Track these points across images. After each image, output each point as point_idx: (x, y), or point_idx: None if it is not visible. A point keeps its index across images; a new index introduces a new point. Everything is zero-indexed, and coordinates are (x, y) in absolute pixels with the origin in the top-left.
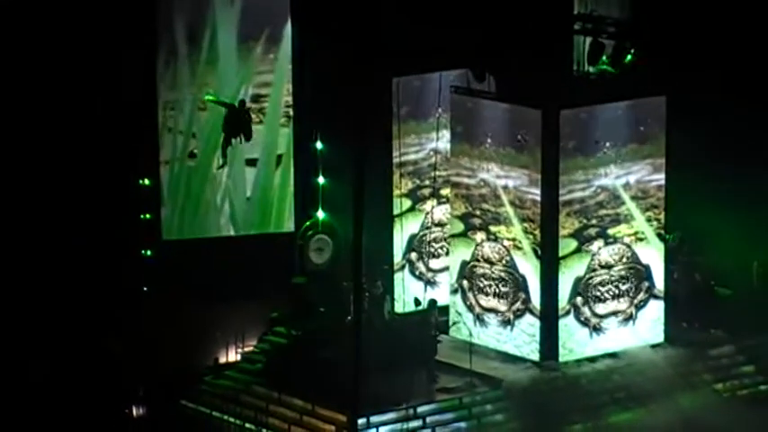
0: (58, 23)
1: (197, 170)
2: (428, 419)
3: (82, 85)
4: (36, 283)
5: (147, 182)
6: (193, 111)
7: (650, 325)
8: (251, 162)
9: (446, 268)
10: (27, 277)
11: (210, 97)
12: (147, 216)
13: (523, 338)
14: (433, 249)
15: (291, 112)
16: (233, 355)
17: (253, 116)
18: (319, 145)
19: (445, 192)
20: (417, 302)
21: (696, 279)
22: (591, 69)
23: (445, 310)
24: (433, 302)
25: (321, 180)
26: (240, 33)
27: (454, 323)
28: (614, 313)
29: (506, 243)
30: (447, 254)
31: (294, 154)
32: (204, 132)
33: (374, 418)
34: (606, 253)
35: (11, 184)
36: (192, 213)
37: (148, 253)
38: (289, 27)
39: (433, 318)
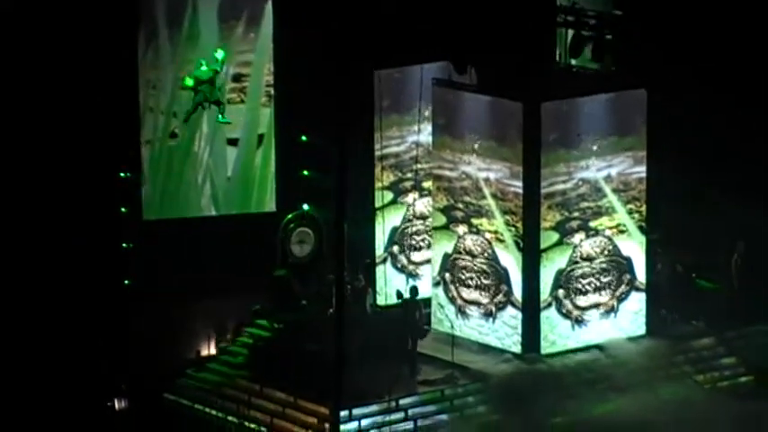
0: (38, 4)
1: (178, 150)
2: (410, 412)
3: (62, 64)
4: (13, 274)
5: (127, 174)
6: (175, 90)
7: (632, 317)
8: (232, 142)
9: (428, 261)
10: (4, 270)
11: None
12: (124, 210)
13: (505, 330)
14: (414, 242)
15: (273, 92)
16: (215, 348)
17: (234, 96)
18: (304, 138)
19: (427, 184)
20: (399, 295)
21: (677, 270)
22: (573, 62)
23: (427, 302)
24: (414, 290)
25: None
26: (221, 12)
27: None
28: (596, 305)
29: (488, 236)
30: (428, 246)
31: (275, 133)
32: (185, 112)
33: (356, 411)
34: (588, 245)
35: None
36: (173, 193)
37: (130, 245)
38: (270, 6)
39: (417, 309)
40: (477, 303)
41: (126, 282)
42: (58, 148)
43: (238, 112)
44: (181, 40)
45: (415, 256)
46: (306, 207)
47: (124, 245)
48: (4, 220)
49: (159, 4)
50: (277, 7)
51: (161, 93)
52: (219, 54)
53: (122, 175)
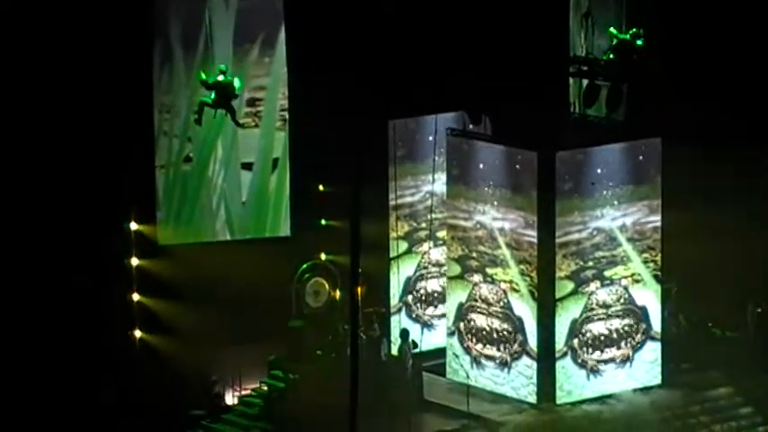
0: (53, 27)
1: (192, 174)
2: None
3: (77, 87)
4: (24, 327)
5: (140, 225)
6: (189, 114)
7: (647, 367)
8: (246, 166)
9: (443, 315)
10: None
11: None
12: (135, 261)
13: (521, 380)
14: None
15: (287, 116)
16: (230, 399)
17: (248, 120)
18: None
19: (442, 234)
20: (415, 345)
21: (681, 322)
22: (587, 111)
23: (442, 352)
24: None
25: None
26: (235, 37)
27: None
28: (612, 359)
29: (503, 285)
30: (436, 299)
31: (290, 158)
32: (200, 136)
33: None
34: (603, 294)
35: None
36: (187, 218)
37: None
38: (283, 31)
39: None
40: (492, 357)
41: (139, 333)
42: (69, 176)
43: (253, 136)
44: (195, 64)
45: (429, 311)
46: (323, 257)
47: (136, 296)
48: (12, 257)
49: (174, 27)
50: (291, 31)
51: (175, 117)
52: (237, 82)
53: (134, 225)
